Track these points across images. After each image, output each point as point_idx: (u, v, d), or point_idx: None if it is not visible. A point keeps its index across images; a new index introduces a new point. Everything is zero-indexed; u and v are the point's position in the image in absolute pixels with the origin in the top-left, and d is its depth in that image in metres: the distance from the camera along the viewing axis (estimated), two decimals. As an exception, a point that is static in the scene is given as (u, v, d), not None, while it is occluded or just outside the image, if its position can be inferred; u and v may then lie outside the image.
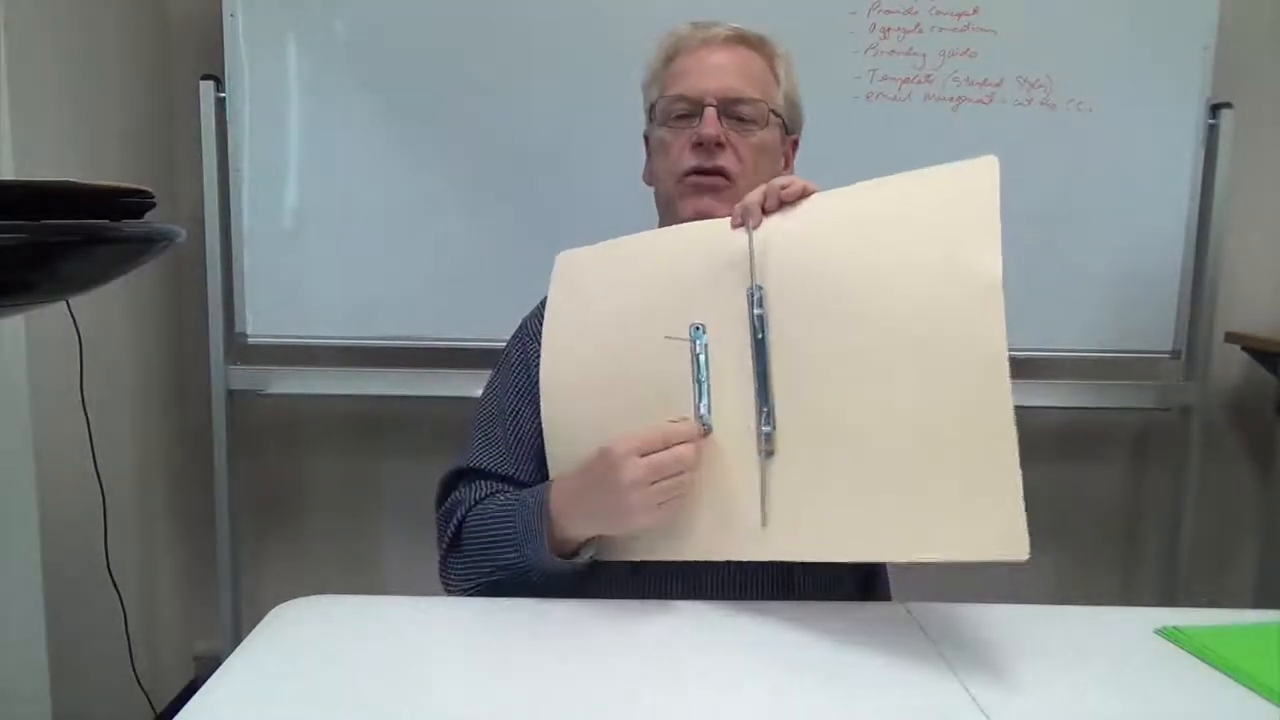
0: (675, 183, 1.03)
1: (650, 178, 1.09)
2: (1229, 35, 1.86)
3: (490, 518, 0.95)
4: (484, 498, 0.98)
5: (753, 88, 1.02)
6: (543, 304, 1.10)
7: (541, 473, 1.00)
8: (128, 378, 1.88)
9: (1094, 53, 1.83)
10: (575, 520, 0.89)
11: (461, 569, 0.96)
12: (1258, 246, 2.08)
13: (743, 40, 1.04)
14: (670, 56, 1.05)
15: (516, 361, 1.07)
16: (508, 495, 0.98)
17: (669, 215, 1.06)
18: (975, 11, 1.80)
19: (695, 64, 1.02)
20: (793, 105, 1.07)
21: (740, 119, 1.01)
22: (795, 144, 1.10)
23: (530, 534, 0.90)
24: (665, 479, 0.83)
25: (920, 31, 1.80)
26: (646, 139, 1.10)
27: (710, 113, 1.00)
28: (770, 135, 1.03)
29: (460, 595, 0.96)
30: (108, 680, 1.78)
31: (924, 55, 1.81)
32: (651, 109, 1.07)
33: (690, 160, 1.01)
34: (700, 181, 1.01)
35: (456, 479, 1.03)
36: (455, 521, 0.97)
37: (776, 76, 1.05)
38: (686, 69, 1.03)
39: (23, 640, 1.51)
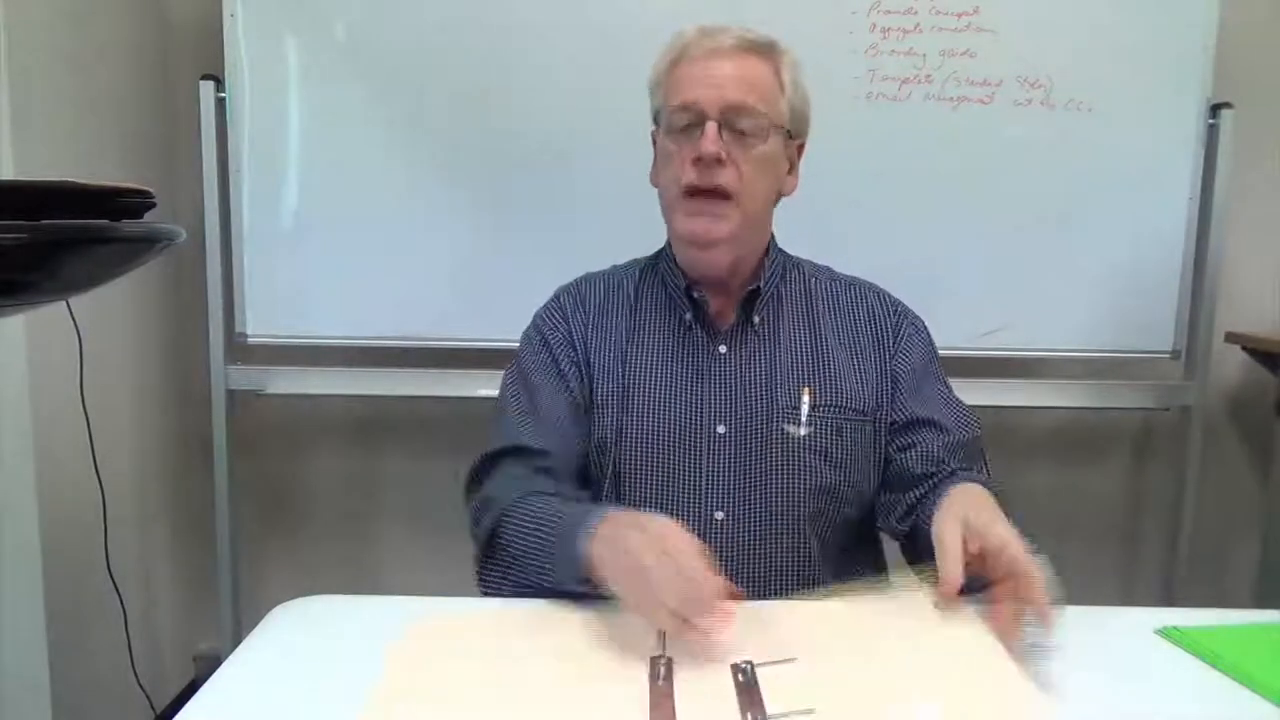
0: (675, 196, 1.03)
1: (653, 178, 1.09)
2: (1229, 35, 1.85)
3: (529, 532, 0.94)
4: (522, 497, 0.97)
5: (756, 99, 1.01)
6: (553, 299, 1.15)
7: (573, 450, 1.05)
8: (128, 378, 1.88)
9: (1094, 53, 1.83)
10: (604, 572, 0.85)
11: (498, 576, 0.97)
12: (1258, 246, 2.08)
13: (749, 48, 1.02)
14: (675, 61, 1.04)
15: (538, 345, 1.11)
16: (547, 504, 0.96)
17: (670, 225, 1.08)
18: (975, 11, 1.80)
19: (700, 73, 1.01)
20: (798, 112, 1.06)
21: (742, 132, 1.00)
22: (801, 148, 1.10)
23: (568, 563, 0.87)
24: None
25: (920, 31, 1.80)
26: (655, 139, 1.09)
27: (711, 128, 0.99)
28: (772, 147, 1.03)
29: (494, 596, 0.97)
30: (108, 680, 1.78)
31: (924, 55, 1.81)
32: (657, 115, 1.07)
33: (691, 175, 1.01)
34: (699, 207, 1.01)
35: (488, 464, 1.04)
36: (491, 520, 0.97)
37: (782, 84, 1.04)
38: (691, 77, 1.02)
39: (23, 641, 1.51)
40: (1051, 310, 1.90)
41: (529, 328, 1.14)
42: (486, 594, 0.98)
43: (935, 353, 1.14)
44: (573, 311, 1.12)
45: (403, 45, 1.78)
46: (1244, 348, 2.06)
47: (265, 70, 1.79)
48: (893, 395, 1.08)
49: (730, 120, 1.00)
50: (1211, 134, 1.87)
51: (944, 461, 1.04)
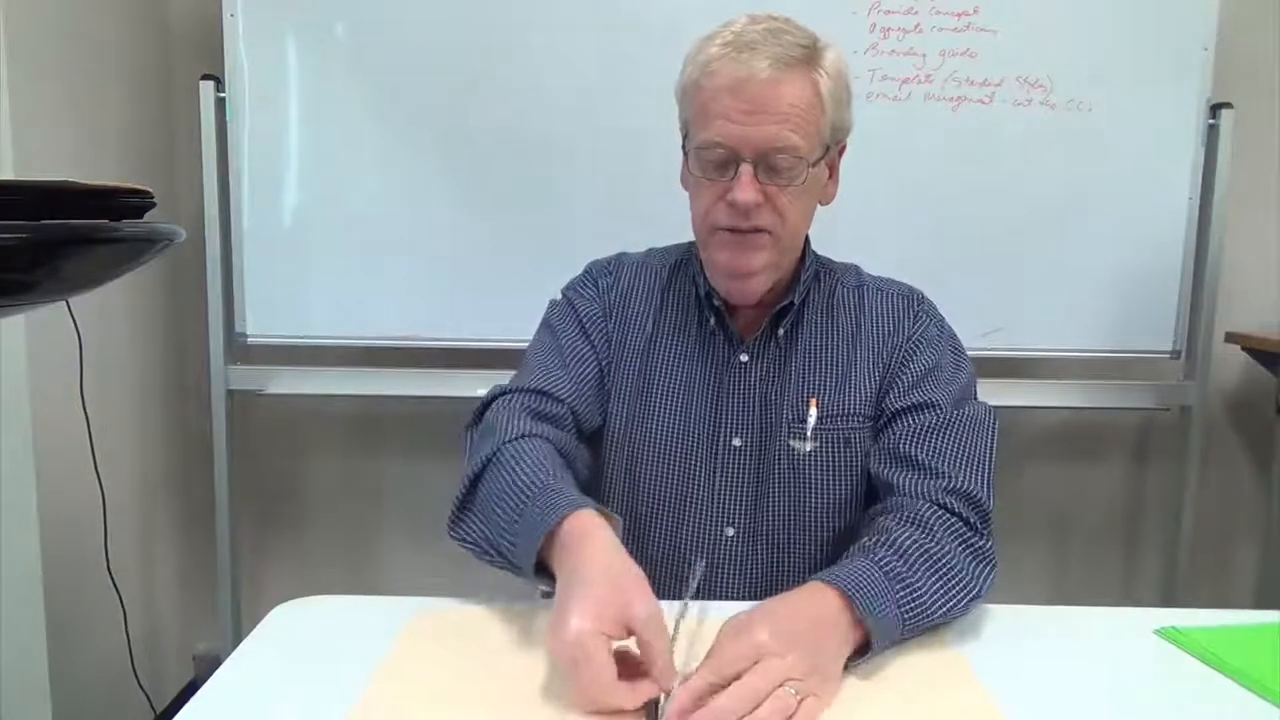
0: (707, 230, 0.98)
1: (683, 185, 1.03)
2: (1229, 35, 1.85)
3: (512, 485, 0.86)
4: (519, 438, 0.91)
5: (795, 133, 0.92)
6: (585, 273, 1.12)
7: (591, 413, 1.02)
8: (128, 378, 1.88)
9: (1094, 53, 1.83)
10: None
11: (469, 526, 0.90)
12: (1258, 246, 2.08)
13: (786, 67, 0.91)
14: (701, 78, 0.94)
15: (566, 312, 1.07)
16: (536, 460, 0.88)
17: (703, 254, 1.03)
18: (975, 11, 1.80)
19: (732, 105, 0.92)
20: (839, 124, 0.98)
21: (779, 170, 0.93)
22: (842, 149, 1.03)
23: (531, 533, 0.81)
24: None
25: (920, 31, 1.80)
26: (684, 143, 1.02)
27: (746, 173, 0.92)
28: (812, 176, 0.96)
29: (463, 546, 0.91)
30: (108, 680, 1.78)
31: (924, 55, 1.81)
32: (684, 128, 1.00)
33: (724, 218, 0.95)
34: (733, 240, 0.96)
35: (498, 397, 1.00)
36: (483, 456, 0.90)
37: (822, 100, 0.94)
38: (723, 110, 0.92)
39: (23, 640, 1.51)
40: (1051, 310, 1.89)
41: (558, 298, 1.11)
42: (454, 537, 0.91)
43: (957, 360, 1.04)
44: (606, 288, 1.08)
45: (403, 45, 1.78)
46: (1244, 348, 2.06)
47: (265, 70, 1.79)
48: (898, 376, 1.01)
49: (766, 159, 0.92)
50: (1211, 134, 1.86)
51: (905, 459, 0.96)
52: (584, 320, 1.07)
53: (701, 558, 0.75)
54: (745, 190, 0.92)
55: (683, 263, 1.11)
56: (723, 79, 0.92)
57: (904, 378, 1.02)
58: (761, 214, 0.94)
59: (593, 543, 0.77)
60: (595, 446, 1.07)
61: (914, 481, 0.94)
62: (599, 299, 1.09)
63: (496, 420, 0.96)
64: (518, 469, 0.87)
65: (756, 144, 0.92)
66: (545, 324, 1.10)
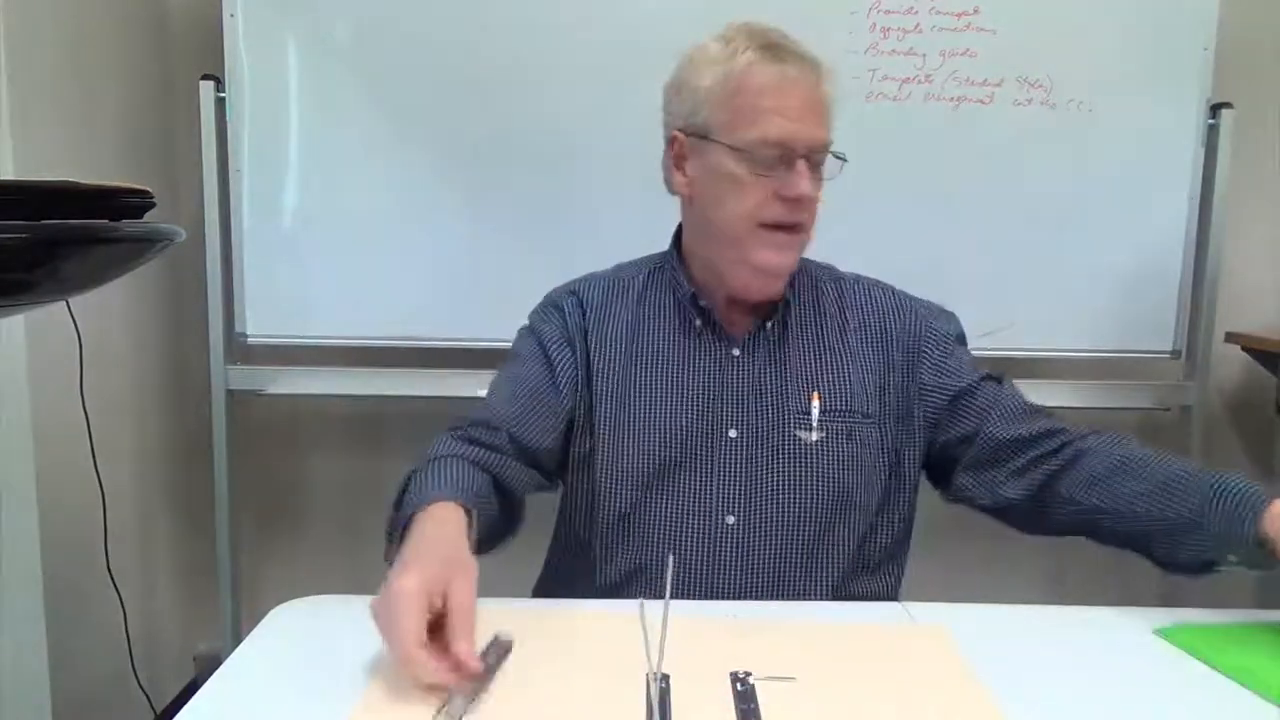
0: (749, 227, 1.00)
1: (685, 188, 1.05)
2: (1229, 35, 1.85)
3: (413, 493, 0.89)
4: (434, 458, 0.94)
5: (828, 131, 1.00)
6: (546, 300, 1.14)
7: (543, 425, 1.03)
8: (128, 378, 1.88)
9: (1094, 53, 1.83)
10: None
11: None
12: (1258, 246, 2.08)
13: (811, 69, 1.00)
14: (737, 82, 0.98)
15: (526, 334, 1.11)
16: (444, 471, 0.91)
17: (733, 252, 1.02)
18: (975, 11, 1.80)
19: (783, 104, 0.97)
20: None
21: (818, 166, 1.00)
22: None
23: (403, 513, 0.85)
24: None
25: (920, 31, 1.80)
26: (670, 142, 1.05)
27: (802, 167, 0.97)
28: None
29: None
30: (108, 680, 1.78)
31: (924, 55, 1.81)
32: (705, 132, 1.00)
33: (775, 212, 0.99)
34: (782, 240, 1.00)
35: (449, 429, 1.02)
36: (404, 477, 0.93)
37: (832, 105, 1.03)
38: (774, 107, 0.97)
39: (23, 640, 1.51)
40: (1051, 310, 1.89)
41: (522, 327, 1.14)
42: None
43: (962, 334, 1.14)
44: (571, 311, 1.10)
45: (403, 45, 1.78)
46: (1244, 348, 2.06)
47: (265, 70, 1.79)
48: (923, 372, 1.07)
49: (812, 156, 0.99)
50: (1211, 134, 1.86)
51: (1033, 416, 1.05)
52: (545, 342, 1.08)
53: (671, 555, 0.79)
54: (804, 183, 0.97)
55: (656, 271, 1.12)
56: (764, 78, 0.98)
57: (932, 372, 1.08)
58: (808, 208, 1.00)
59: (440, 526, 0.82)
60: (557, 460, 1.08)
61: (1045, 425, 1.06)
62: (561, 320, 1.10)
63: (430, 448, 0.98)
64: (424, 479, 0.91)
65: (808, 140, 0.98)
66: (510, 352, 1.12)
